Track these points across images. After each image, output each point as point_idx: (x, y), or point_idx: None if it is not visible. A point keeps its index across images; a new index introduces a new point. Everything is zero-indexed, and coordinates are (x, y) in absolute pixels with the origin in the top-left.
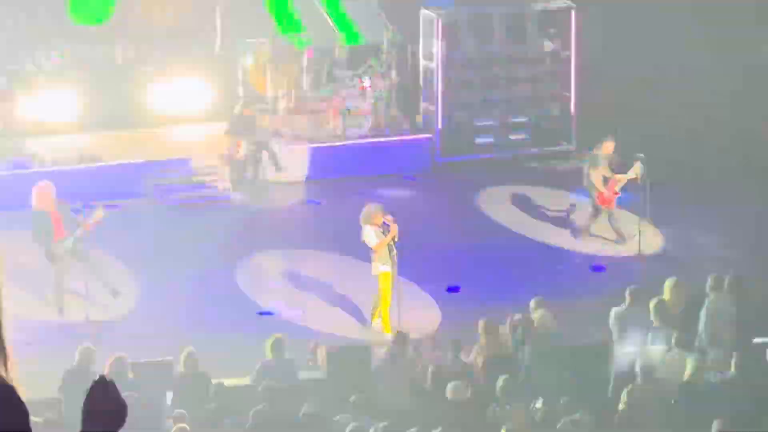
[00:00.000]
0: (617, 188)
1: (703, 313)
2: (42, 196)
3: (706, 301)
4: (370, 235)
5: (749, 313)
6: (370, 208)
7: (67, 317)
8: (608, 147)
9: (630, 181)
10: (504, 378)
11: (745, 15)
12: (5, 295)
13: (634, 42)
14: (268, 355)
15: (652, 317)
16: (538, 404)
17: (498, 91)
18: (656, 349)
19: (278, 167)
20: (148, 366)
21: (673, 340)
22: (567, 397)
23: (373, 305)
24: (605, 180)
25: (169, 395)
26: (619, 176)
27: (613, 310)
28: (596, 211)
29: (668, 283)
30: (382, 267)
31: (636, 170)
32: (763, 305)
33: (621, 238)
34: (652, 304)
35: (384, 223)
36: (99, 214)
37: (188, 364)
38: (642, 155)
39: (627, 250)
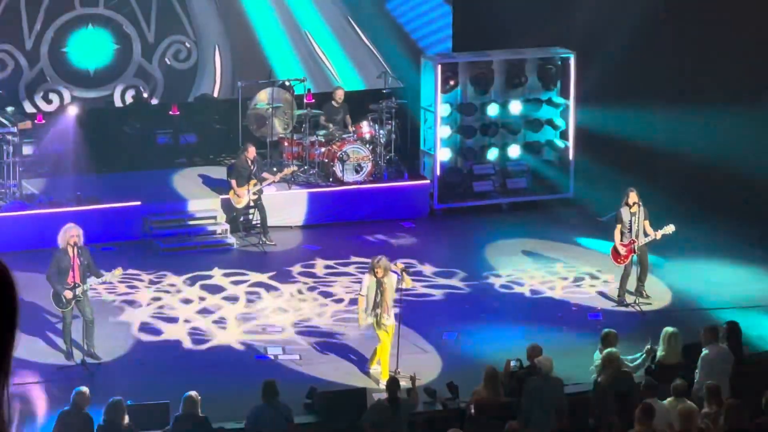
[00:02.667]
0: (638, 246)
1: (699, 364)
2: (68, 238)
3: (704, 349)
4: (363, 283)
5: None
6: (378, 262)
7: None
8: (632, 197)
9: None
10: (509, 425)
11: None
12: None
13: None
14: (261, 399)
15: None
16: None
17: (496, 138)
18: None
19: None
20: (141, 410)
21: (672, 388)
22: None
23: (373, 351)
24: (624, 235)
25: None
26: (647, 237)
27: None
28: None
29: (664, 334)
30: (388, 320)
31: (668, 230)
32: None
33: (622, 298)
34: (648, 352)
35: (395, 272)
36: (119, 271)
37: (187, 406)
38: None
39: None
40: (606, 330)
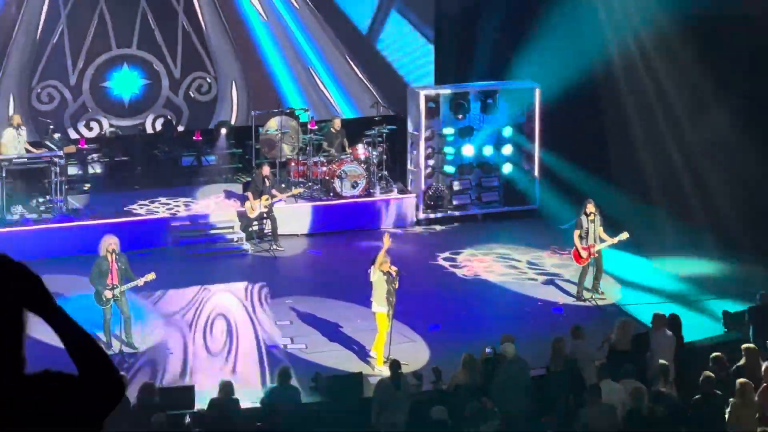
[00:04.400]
0: (595, 250)
1: (652, 347)
2: (107, 246)
3: (651, 337)
4: (375, 278)
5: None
6: (380, 258)
7: (108, 351)
8: (590, 207)
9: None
10: (482, 402)
11: None
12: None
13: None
14: (276, 381)
15: (603, 350)
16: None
17: (472, 157)
18: (609, 381)
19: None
20: (169, 392)
21: (622, 372)
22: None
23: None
24: (582, 240)
25: (188, 416)
26: (603, 243)
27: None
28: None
29: (618, 323)
30: (379, 308)
31: (622, 237)
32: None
33: (579, 294)
34: (604, 340)
35: (390, 273)
36: (151, 276)
37: (222, 390)
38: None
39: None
40: (576, 325)
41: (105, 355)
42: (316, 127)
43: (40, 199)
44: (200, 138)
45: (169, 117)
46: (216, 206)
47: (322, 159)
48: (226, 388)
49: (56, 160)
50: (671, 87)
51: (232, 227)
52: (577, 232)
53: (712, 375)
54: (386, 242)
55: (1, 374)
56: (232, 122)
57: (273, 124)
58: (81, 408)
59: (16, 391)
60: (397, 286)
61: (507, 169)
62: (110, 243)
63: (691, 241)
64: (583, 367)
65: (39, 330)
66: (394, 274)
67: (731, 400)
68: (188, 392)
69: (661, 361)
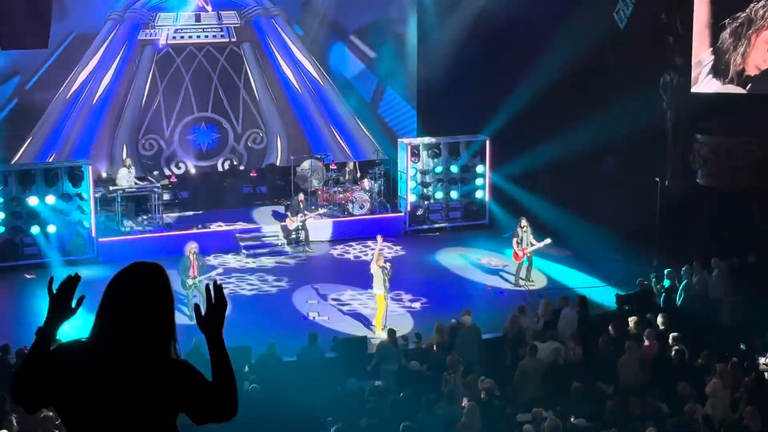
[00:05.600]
0: (528, 252)
1: (561, 319)
2: (190, 249)
3: (561, 312)
4: (374, 270)
5: (588, 321)
6: (375, 255)
7: (190, 321)
8: (523, 222)
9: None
10: (449, 357)
11: None
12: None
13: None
14: (307, 342)
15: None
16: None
17: (442, 189)
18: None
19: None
20: (233, 349)
21: (546, 335)
22: (481, 368)
23: (376, 316)
24: (518, 244)
25: (246, 366)
26: (533, 246)
27: (510, 316)
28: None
29: (542, 301)
30: (378, 291)
31: (545, 243)
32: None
33: (516, 282)
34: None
35: (384, 267)
36: (219, 270)
37: (269, 348)
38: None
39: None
40: (521, 305)
41: (236, 390)
42: (335, 167)
43: (144, 216)
44: (255, 174)
45: (233, 160)
46: (266, 222)
47: (339, 189)
48: (271, 348)
49: (155, 189)
50: None
51: (277, 236)
52: (515, 239)
53: (608, 337)
54: (379, 242)
55: (155, 355)
56: (277, 163)
57: (305, 165)
58: (201, 406)
59: (163, 368)
60: (390, 274)
61: (465, 194)
62: (192, 247)
63: (595, 242)
64: (525, 333)
65: None
66: (387, 267)
67: (622, 356)
68: (246, 350)
69: (570, 329)
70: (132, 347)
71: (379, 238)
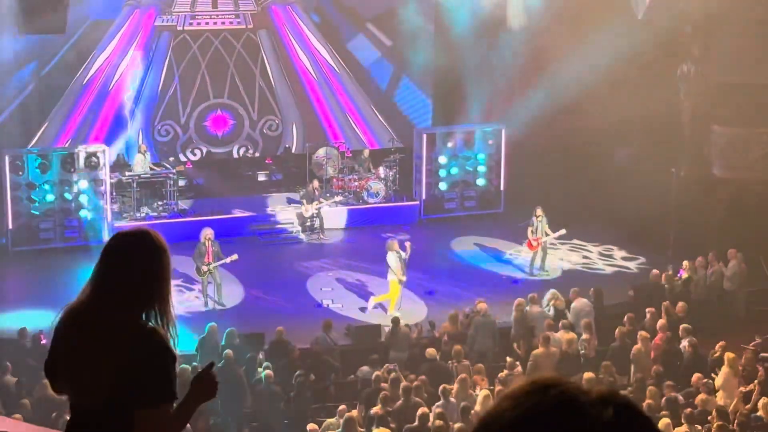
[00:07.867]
0: (542, 241)
1: (572, 309)
2: (205, 235)
3: (576, 302)
4: (390, 258)
5: (603, 310)
6: (390, 242)
7: (204, 308)
8: (538, 212)
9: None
10: (455, 347)
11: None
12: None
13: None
14: (321, 330)
15: (548, 310)
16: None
17: (459, 174)
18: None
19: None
20: (247, 336)
21: (560, 325)
22: (496, 357)
23: (389, 300)
24: (533, 233)
25: (261, 353)
26: (547, 236)
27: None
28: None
29: (552, 292)
30: (391, 277)
31: (560, 233)
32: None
33: (530, 271)
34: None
35: (402, 247)
36: (234, 257)
37: (279, 335)
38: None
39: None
40: (531, 294)
41: (180, 425)
42: (350, 155)
43: (160, 202)
44: (271, 162)
45: (248, 147)
46: (282, 208)
47: (354, 176)
48: (279, 333)
49: (171, 175)
50: None
51: (292, 223)
52: (529, 229)
53: (624, 329)
54: (408, 249)
55: (125, 317)
56: (293, 151)
57: (321, 152)
58: (137, 384)
59: (128, 332)
60: (408, 256)
61: (481, 183)
62: (207, 233)
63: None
64: (536, 323)
65: None
66: (407, 247)
67: (636, 346)
68: (260, 337)
69: (585, 320)
70: (105, 307)
71: (407, 245)
